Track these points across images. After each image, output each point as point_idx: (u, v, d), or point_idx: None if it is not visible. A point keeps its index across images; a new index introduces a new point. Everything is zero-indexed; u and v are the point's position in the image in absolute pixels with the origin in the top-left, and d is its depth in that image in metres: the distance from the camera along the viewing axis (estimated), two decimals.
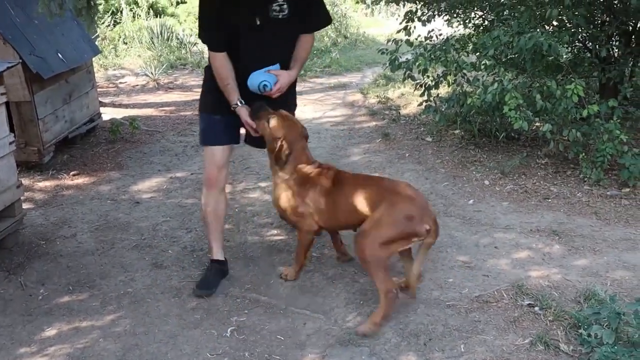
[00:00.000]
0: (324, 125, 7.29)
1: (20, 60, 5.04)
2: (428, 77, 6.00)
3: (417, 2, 6.81)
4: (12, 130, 4.47)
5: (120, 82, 9.70)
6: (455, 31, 7.22)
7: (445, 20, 7.17)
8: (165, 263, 4.03)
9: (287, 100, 3.64)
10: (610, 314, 2.99)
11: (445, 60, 5.66)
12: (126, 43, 11.57)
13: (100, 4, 6.08)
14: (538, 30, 5.27)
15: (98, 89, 7.27)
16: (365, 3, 9.65)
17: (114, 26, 11.94)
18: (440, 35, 6.71)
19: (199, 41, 7.80)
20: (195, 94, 7.43)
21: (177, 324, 3.35)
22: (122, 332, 3.29)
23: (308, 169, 3.51)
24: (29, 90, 5.39)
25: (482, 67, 5.52)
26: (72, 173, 5.67)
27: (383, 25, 15.72)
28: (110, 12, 12.02)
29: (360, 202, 3.36)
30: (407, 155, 6.02)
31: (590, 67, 6.01)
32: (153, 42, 11.43)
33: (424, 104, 6.16)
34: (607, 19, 5.79)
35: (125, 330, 3.32)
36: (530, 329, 3.18)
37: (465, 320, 3.29)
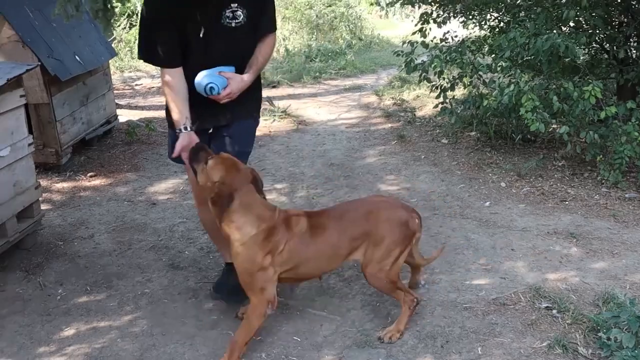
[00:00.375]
0: (339, 127, 7.30)
1: (39, 63, 5.09)
2: (444, 78, 6.00)
3: (432, 3, 6.80)
4: (30, 132, 4.51)
5: (136, 84, 9.77)
6: (470, 33, 7.20)
7: (461, 22, 7.16)
8: (182, 264, 4.05)
9: (245, 109, 3.27)
10: (630, 318, 2.97)
11: (461, 62, 5.67)
12: None
13: (117, 7, 6.12)
14: (555, 31, 5.25)
15: (114, 91, 7.32)
16: (379, 5, 9.66)
17: (130, 29, 12.02)
18: (456, 37, 6.70)
19: None
20: None
21: (194, 325, 3.36)
22: (140, 333, 3.31)
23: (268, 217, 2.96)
24: (47, 93, 5.44)
25: (498, 68, 5.49)
26: (89, 174, 5.71)
27: (397, 28, 15.71)
28: (127, 14, 12.10)
29: (348, 239, 3.08)
30: (422, 157, 6.01)
31: (608, 69, 5.97)
32: None
33: (440, 105, 6.16)
34: (625, 19, 5.75)
35: (143, 330, 3.33)
36: (548, 332, 3.15)
37: (482, 322, 3.27)
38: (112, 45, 8.24)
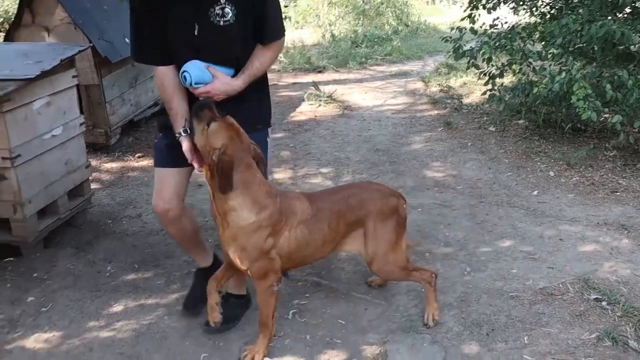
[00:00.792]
0: (385, 113, 7.25)
1: (91, 44, 5.19)
2: (492, 65, 5.90)
3: None
4: (81, 112, 4.60)
5: None
6: (521, 19, 7.06)
7: (511, 8, 7.00)
8: None
9: (244, 120, 2.79)
10: None
11: (510, 49, 5.57)
12: None
13: None
14: (610, 18, 5.11)
15: None
16: None
17: None
18: (506, 23, 6.57)
19: None
20: None
21: None
22: (186, 311, 3.35)
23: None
24: (97, 74, 5.54)
25: (549, 56, 5.38)
26: (137, 155, 5.80)
27: (444, 14, 15.53)
28: None
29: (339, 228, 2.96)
30: (469, 144, 5.94)
31: None
32: None
33: (488, 93, 6.06)
34: None
35: None
36: (597, 324, 3.09)
37: (529, 312, 3.22)
38: None
